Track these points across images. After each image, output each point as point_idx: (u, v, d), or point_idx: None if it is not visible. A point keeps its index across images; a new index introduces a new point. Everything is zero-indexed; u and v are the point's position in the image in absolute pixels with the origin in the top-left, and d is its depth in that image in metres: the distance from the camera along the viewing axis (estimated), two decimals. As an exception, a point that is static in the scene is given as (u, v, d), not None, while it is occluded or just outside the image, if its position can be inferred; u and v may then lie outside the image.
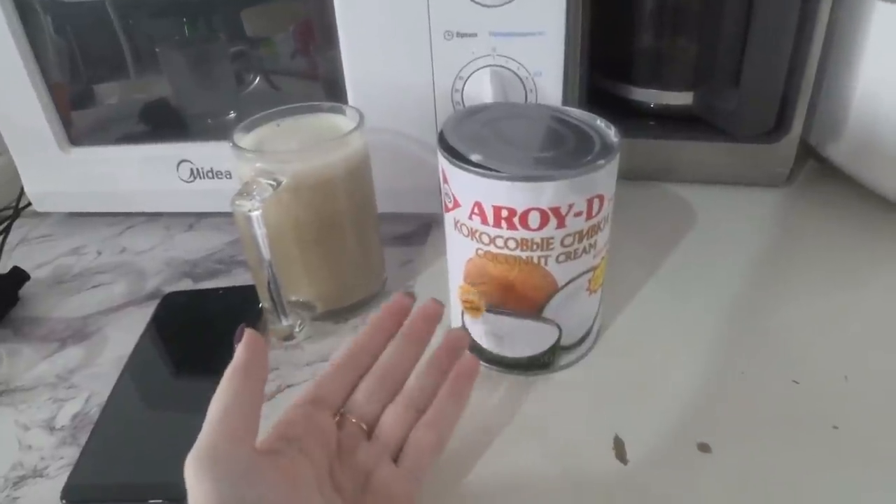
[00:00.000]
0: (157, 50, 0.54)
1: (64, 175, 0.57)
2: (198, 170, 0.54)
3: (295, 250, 0.41)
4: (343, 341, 0.43)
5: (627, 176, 0.50)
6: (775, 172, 0.56)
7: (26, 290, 0.51)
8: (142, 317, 0.46)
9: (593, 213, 0.33)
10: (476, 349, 0.39)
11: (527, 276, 0.34)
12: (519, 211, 0.32)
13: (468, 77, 0.45)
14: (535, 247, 0.33)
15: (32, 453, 0.37)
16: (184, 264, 0.53)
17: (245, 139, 0.41)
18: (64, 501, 0.33)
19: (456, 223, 0.35)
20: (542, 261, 0.34)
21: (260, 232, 0.36)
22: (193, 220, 0.59)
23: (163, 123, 0.56)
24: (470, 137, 0.35)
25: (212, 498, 0.23)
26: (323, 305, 0.44)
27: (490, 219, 0.33)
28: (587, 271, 0.35)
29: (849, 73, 0.50)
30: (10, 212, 0.59)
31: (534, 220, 0.32)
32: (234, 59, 0.54)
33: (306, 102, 0.43)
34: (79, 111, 0.56)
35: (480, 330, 0.38)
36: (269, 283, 0.38)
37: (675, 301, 0.44)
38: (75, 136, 0.56)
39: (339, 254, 0.42)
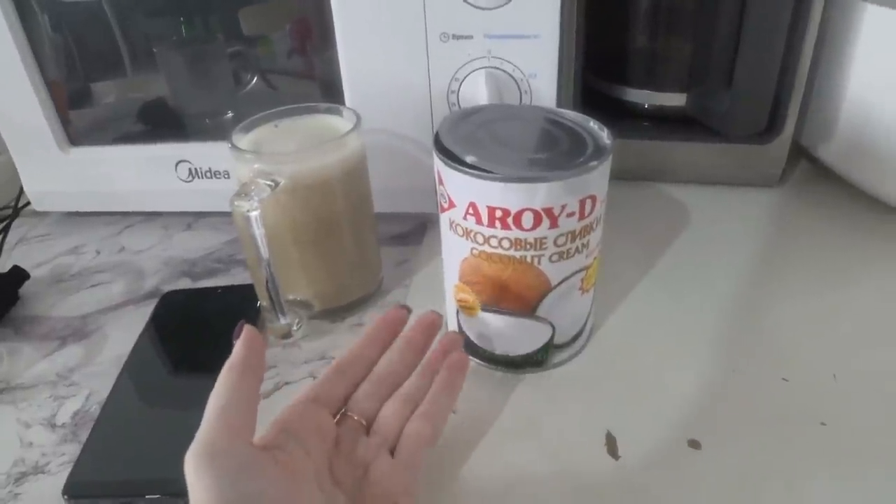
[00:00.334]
0: (154, 50, 0.54)
1: (63, 174, 0.57)
2: (196, 170, 0.55)
3: (293, 250, 0.42)
4: (340, 339, 0.43)
5: (622, 176, 0.50)
6: (768, 173, 0.56)
7: (26, 288, 0.51)
8: (141, 315, 0.46)
9: (586, 214, 0.34)
10: (471, 347, 0.40)
11: (520, 275, 0.35)
12: (513, 211, 0.33)
13: (464, 79, 0.46)
14: (528, 247, 0.34)
15: (34, 450, 0.37)
16: (182, 263, 0.53)
17: (243, 140, 0.41)
18: (66, 497, 0.34)
19: (451, 223, 0.36)
20: (536, 260, 0.34)
21: (258, 232, 0.37)
22: (192, 219, 0.59)
23: (161, 123, 0.57)
24: (465, 139, 0.35)
25: (212, 493, 0.24)
26: (320, 304, 0.44)
27: (484, 219, 0.33)
28: (580, 271, 0.36)
29: (840, 75, 0.51)
30: (10, 211, 0.60)
31: (527, 220, 0.33)
32: (231, 59, 0.54)
33: (304, 103, 0.44)
34: (78, 111, 0.57)
35: (475, 328, 0.39)
36: (267, 282, 0.38)
37: (668, 300, 0.45)
38: (74, 135, 0.57)
39: (337, 253, 0.43)
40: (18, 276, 0.51)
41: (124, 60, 0.55)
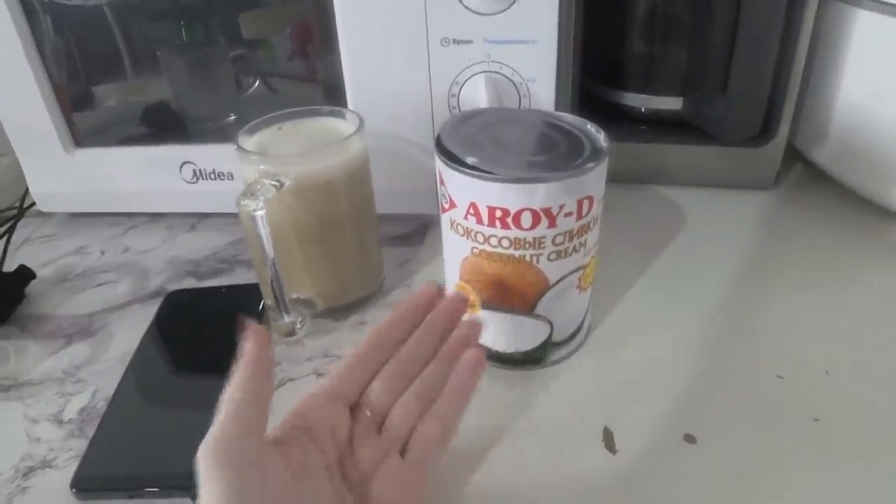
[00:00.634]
0: (158, 53, 0.55)
1: (68, 176, 0.58)
2: (200, 171, 0.55)
3: (296, 250, 0.42)
4: (343, 338, 0.44)
5: (619, 178, 0.51)
6: (763, 175, 0.57)
7: (32, 288, 0.52)
8: (146, 314, 0.47)
9: (583, 214, 0.34)
10: (471, 345, 0.40)
11: (520, 273, 0.36)
12: (512, 211, 0.33)
13: (464, 83, 0.47)
14: (527, 246, 0.34)
15: (41, 445, 0.38)
16: (187, 263, 0.54)
17: (248, 142, 0.42)
18: (73, 490, 0.34)
19: (452, 223, 0.36)
20: (535, 259, 0.35)
21: (264, 231, 0.37)
22: (195, 220, 0.60)
23: (165, 125, 0.57)
24: (466, 141, 0.36)
25: (224, 488, 0.24)
26: (323, 303, 0.45)
27: (484, 219, 0.34)
28: (577, 269, 0.37)
29: (833, 79, 0.52)
30: (15, 212, 0.60)
31: (526, 220, 0.34)
32: (233, 62, 0.55)
33: (307, 106, 0.45)
34: (82, 113, 0.57)
35: (475, 326, 0.39)
36: (272, 281, 0.39)
37: (664, 299, 0.45)
38: (79, 137, 0.57)
39: (340, 253, 0.44)
40: (24, 275, 0.51)
41: (127, 63, 0.55)
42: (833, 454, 0.34)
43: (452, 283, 0.39)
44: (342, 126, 0.44)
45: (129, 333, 0.45)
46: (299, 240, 0.42)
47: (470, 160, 0.34)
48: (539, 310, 0.37)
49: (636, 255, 0.50)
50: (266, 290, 0.40)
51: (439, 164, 0.35)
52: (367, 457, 0.30)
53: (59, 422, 0.39)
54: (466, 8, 0.44)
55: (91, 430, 0.38)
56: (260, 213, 0.37)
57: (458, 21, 0.45)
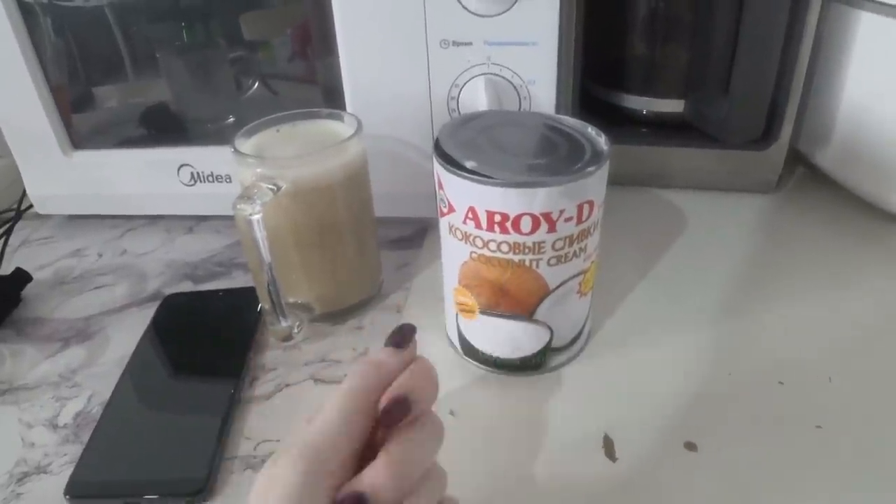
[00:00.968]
0: (157, 55, 0.55)
1: (66, 178, 0.58)
2: (198, 173, 0.55)
3: (294, 253, 0.42)
4: (340, 342, 0.44)
5: (620, 181, 0.51)
6: (764, 179, 0.57)
7: (29, 290, 0.51)
8: (143, 318, 0.47)
9: (583, 219, 0.34)
10: (470, 350, 0.40)
11: (519, 278, 0.35)
12: (512, 216, 0.33)
13: (464, 85, 0.47)
14: (527, 250, 0.34)
15: (36, 450, 0.38)
16: (184, 266, 0.53)
17: (246, 144, 0.42)
18: (68, 497, 0.34)
19: (450, 227, 0.36)
20: (534, 264, 0.35)
21: (260, 235, 0.37)
22: (193, 223, 0.59)
23: (163, 127, 0.57)
24: (465, 144, 0.36)
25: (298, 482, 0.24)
26: (321, 307, 0.45)
27: (483, 223, 0.34)
28: (578, 274, 0.36)
29: (836, 81, 0.51)
30: (13, 214, 0.60)
31: (526, 224, 0.33)
32: (232, 64, 0.54)
33: (305, 109, 0.44)
34: (80, 115, 0.57)
35: (474, 332, 0.39)
36: (268, 285, 0.39)
37: (665, 304, 0.45)
38: (77, 139, 0.57)
39: (337, 257, 0.43)
40: (21, 278, 0.51)
41: (126, 65, 0.55)
42: (836, 462, 0.33)
43: (451, 287, 0.39)
44: (340, 129, 0.43)
45: (125, 337, 0.45)
46: (297, 243, 0.42)
47: (469, 164, 0.34)
48: (539, 315, 0.37)
49: (636, 258, 0.49)
50: (263, 295, 0.39)
51: (438, 168, 0.35)
52: None
53: (55, 426, 0.39)
54: (466, 10, 0.44)
55: (86, 436, 0.37)
56: (256, 217, 0.36)
57: (458, 23, 0.44)
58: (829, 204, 0.55)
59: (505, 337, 0.38)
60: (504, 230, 0.34)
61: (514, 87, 0.46)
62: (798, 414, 0.36)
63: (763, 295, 0.45)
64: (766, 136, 0.54)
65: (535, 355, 0.39)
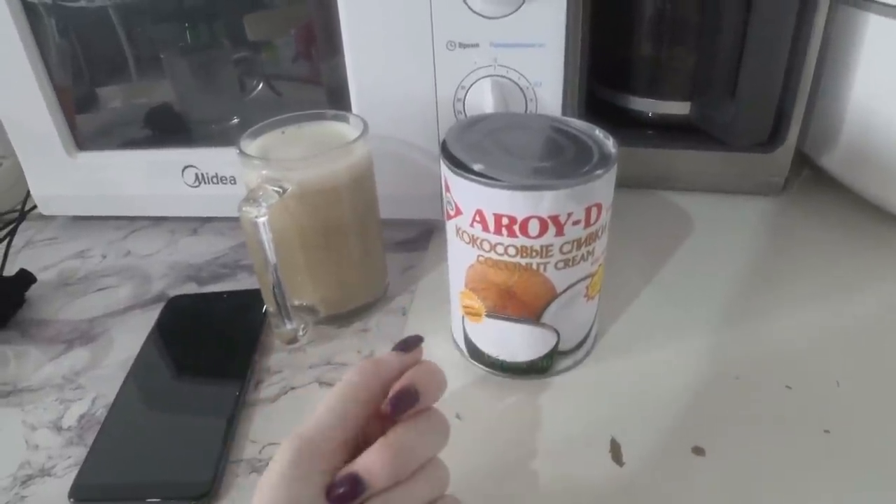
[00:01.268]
0: (161, 56, 0.55)
1: (70, 179, 0.58)
2: (203, 175, 0.55)
3: (299, 255, 0.42)
4: (345, 345, 0.43)
5: (625, 184, 0.50)
6: (771, 181, 0.56)
7: (33, 292, 0.51)
8: (147, 319, 0.46)
9: (591, 222, 0.34)
10: (476, 354, 0.40)
11: (526, 282, 0.35)
12: (519, 219, 0.33)
13: (470, 87, 0.46)
14: (534, 254, 0.34)
15: (40, 453, 0.37)
16: (188, 268, 0.53)
17: (251, 146, 0.42)
18: (72, 500, 0.34)
19: (457, 230, 0.36)
20: (542, 267, 0.34)
21: (266, 237, 0.37)
22: (198, 224, 0.59)
23: (168, 129, 0.57)
24: (472, 147, 0.36)
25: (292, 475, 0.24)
26: (326, 310, 0.45)
27: (491, 226, 0.34)
28: (585, 278, 0.36)
29: (843, 83, 0.51)
30: (16, 214, 0.60)
31: (533, 227, 0.33)
32: (237, 65, 0.54)
33: (311, 110, 0.44)
34: (85, 116, 0.57)
35: (481, 335, 0.39)
36: (274, 288, 0.39)
37: (672, 307, 0.45)
38: (81, 140, 0.57)
39: (343, 259, 0.43)
40: (25, 279, 0.51)
41: (130, 66, 0.55)
42: (845, 467, 0.33)
43: (457, 290, 0.39)
44: (346, 130, 0.43)
45: (130, 339, 0.45)
46: (302, 245, 0.42)
47: (476, 167, 0.33)
48: (545, 318, 0.37)
49: (642, 261, 0.49)
50: (268, 297, 0.39)
51: (445, 171, 0.35)
52: None
53: (59, 429, 0.39)
54: (472, 11, 0.44)
55: (91, 438, 0.37)
56: (262, 219, 0.36)
57: (464, 24, 0.44)
58: (835, 207, 0.55)
59: (511, 340, 0.38)
60: (511, 233, 0.33)
61: (521, 89, 0.46)
62: (806, 418, 0.36)
63: (769, 298, 0.45)
64: (773, 138, 0.54)
65: (541, 359, 0.38)
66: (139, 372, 0.42)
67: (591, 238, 0.35)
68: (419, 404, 0.27)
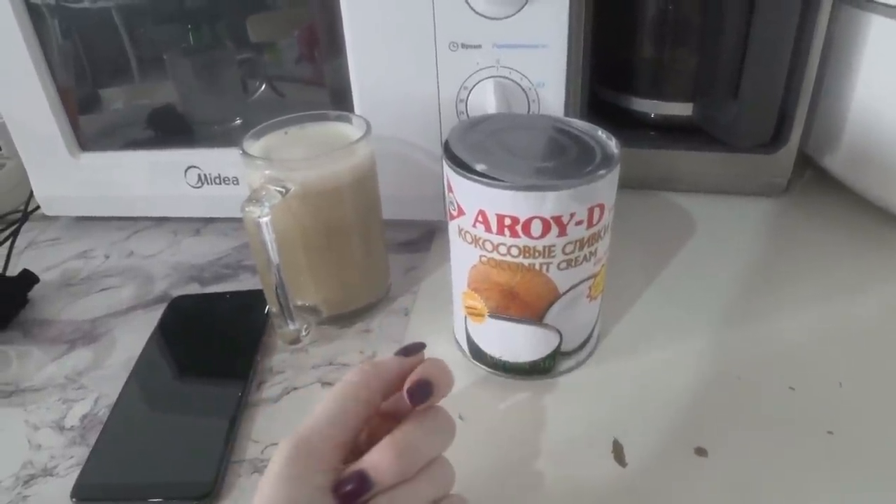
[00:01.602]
0: (164, 57, 0.55)
1: (73, 179, 0.58)
2: (205, 175, 0.55)
3: (302, 256, 0.42)
4: (348, 345, 0.43)
5: (628, 185, 0.50)
6: (773, 182, 0.56)
7: (35, 292, 0.51)
8: (150, 320, 0.47)
9: (594, 222, 0.34)
10: (478, 354, 0.40)
11: (529, 282, 0.35)
12: (522, 219, 0.33)
13: (472, 87, 0.46)
14: (537, 254, 0.34)
15: (42, 452, 0.37)
16: (191, 268, 0.53)
17: (254, 146, 0.42)
18: (74, 499, 0.34)
19: (460, 231, 0.36)
20: (544, 268, 0.34)
21: (269, 237, 0.37)
22: (200, 225, 0.59)
23: (170, 129, 0.57)
24: (474, 147, 0.36)
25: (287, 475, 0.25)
26: (328, 310, 0.45)
27: (493, 227, 0.34)
28: (588, 278, 0.36)
29: (846, 84, 0.51)
30: (20, 215, 0.60)
31: (536, 228, 0.33)
32: (239, 66, 0.54)
33: (314, 111, 0.44)
34: (88, 116, 0.57)
35: (483, 335, 0.39)
36: (276, 288, 0.39)
37: (674, 308, 0.45)
38: (84, 141, 0.57)
39: (345, 260, 0.43)
40: (28, 279, 0.51)
41: (133, 67, 0.55)
42: (848, 468, 0.33)
43: (459, 291, 0.39)
44: (349, 131, 0.43)
45: (132, 339, 0.45)
46: (305, 246, 0.42)
47: (479, 167, 0.33)
48: (548, 319, 0.37)
49: (645, 262, 0.49)
50: (270, 297, 0.39)
51: (447, 171, 0.35)
52: None
53: (61, 429, 0.39)
54: (475, 12, 0.44)
55: (93, 438, 0.37)
56: (265, 219, 0.36)
57: (467, 25, 0.44)
58: (838, 208, 0.55)
59: (514, 341, 0.38)
60: (514, 234, 0.33)
61: (523, 90, 0.46)
62: (809, 419, 0.36)
63: (772, 299, 0.45)
64: (775, 139, 0.54)
65: (544, 359, 0.38)
66: (141, 372, 0.42)
67: (594, 238, 0.35)
68: (433, 397, 0.27)
